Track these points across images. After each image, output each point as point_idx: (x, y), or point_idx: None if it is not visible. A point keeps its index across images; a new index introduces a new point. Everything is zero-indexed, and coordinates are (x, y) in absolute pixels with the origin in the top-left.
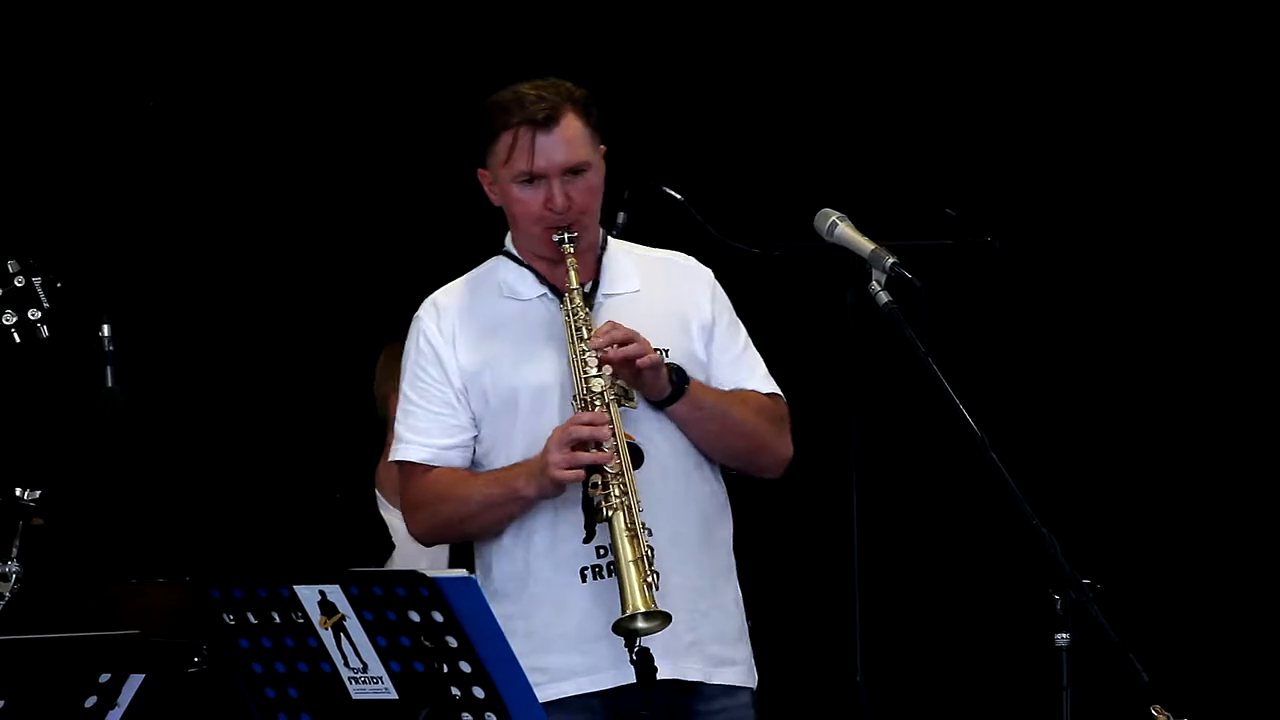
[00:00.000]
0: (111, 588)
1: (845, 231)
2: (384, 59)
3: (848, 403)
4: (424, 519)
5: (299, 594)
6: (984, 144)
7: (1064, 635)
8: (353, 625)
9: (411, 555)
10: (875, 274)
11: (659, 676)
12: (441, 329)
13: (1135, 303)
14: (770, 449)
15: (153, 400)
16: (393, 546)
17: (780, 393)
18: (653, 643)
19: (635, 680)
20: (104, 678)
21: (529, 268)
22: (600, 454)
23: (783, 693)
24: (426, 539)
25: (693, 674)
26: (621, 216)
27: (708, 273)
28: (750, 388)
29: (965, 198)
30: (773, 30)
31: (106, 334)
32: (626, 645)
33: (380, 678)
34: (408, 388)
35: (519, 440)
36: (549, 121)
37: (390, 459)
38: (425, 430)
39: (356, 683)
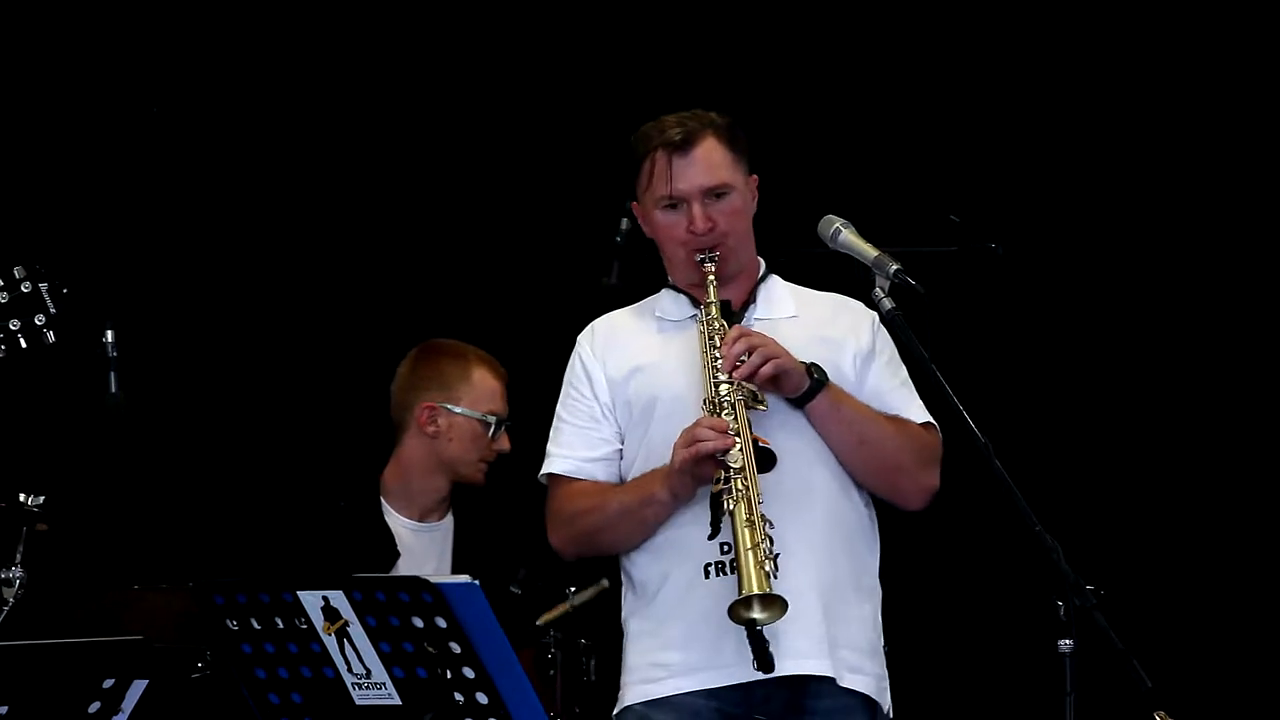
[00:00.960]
0: (115, 593)
1: (849, 238)
2: (390, 65)
3: None
4: (565, 532)
5: (302, 600)
6: (988, 151)
7: (1067, 641)
8: (356, 631)
9: (417, 562)
10: (879, 280)
11: (783, 672)
12: (594, 348)
13: (1139, 310)
14: (912, 475)
15: (157, 407)
16: (398, 554)
17: (935, 424)
18: (780, 633)
19: (753, 668)
20: (107, 683)
21: (686, 294)
22: (721, 440)
23: None
24: (568, 551)
25: (821, 668)
26: (625, 223)
27: (873, 315)
28: (903, 415)
29: (969, 204)
30: (777, 36)
31: (110, 340)
32: (748, 635)
33: (384, 683)
34: (561, 409)
35: (657, 447)
36: (685, 144)
37: (540, 473)
38: (570, 444)
39: (360, 688)
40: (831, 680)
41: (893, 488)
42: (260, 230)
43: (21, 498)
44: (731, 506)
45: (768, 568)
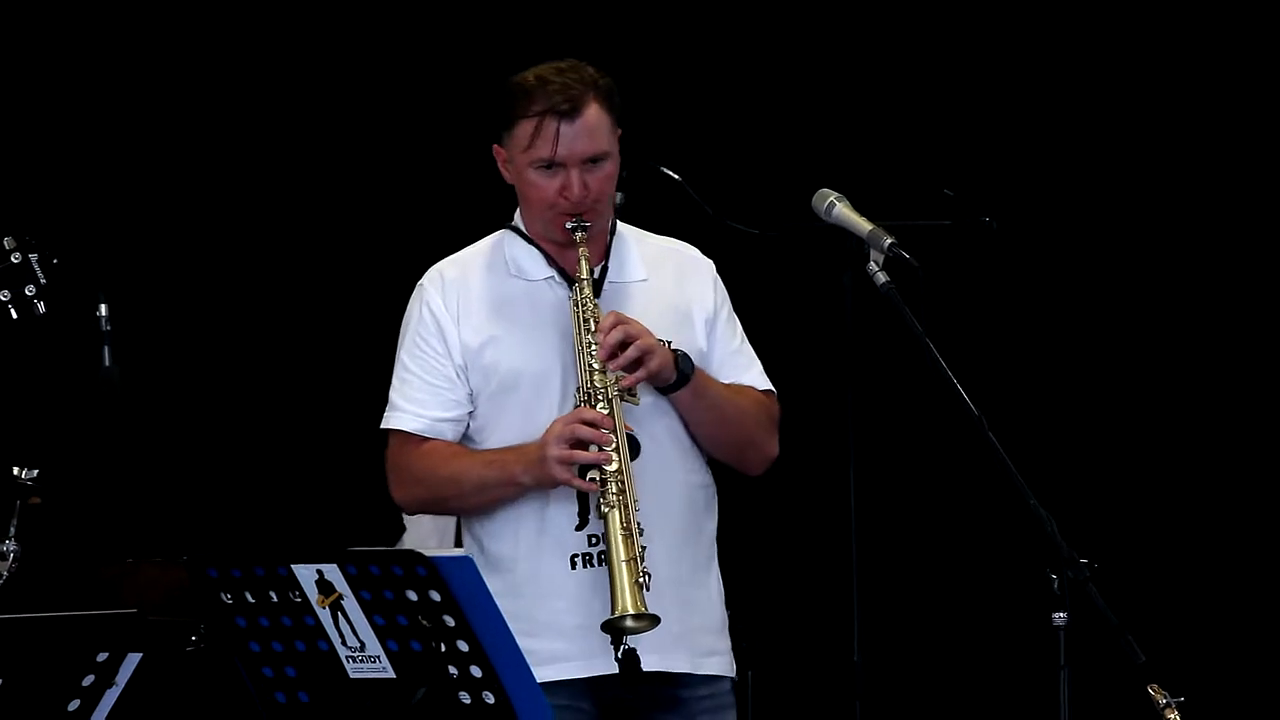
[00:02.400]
0: (109, 567)
1: (843, 212)
2: (383, 40)
3: (845, 383)
4: (412, 491)
5: (296, 573)
6: (982, 124)
7: (1061, 615)
8: (350, 604)
9: (423, 535)
10: (873, 254)
11: (648, 669)
12: (446, 302)
13: (1133, 283)
14: (759, 446)
15: (150, 379)
16: (403, 527)
17: (774, 390)
18: (641, 638)
19: (619, 679)
20: (101, 656)
21: (538, 247)
22: (599, 454)
23: (781, 673)
24: (410, 509)
25: (680, 665)
26: (619, 197)
27: (710, 264)
28: (747, 383)
29: (963, 178)
30: (770, 10)
31: (104, 313)
32: (613, 643)
33: (378, 657)
34: (406, 356)
35: (515, 422)
36: (573, 112)
37: (382, 425)
38: (421, 401)
39: (354, 661)
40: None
41: (740, 459)
42: (256, 198)
43: (15, 471)
44: (606, 511)
45: (642, 580)
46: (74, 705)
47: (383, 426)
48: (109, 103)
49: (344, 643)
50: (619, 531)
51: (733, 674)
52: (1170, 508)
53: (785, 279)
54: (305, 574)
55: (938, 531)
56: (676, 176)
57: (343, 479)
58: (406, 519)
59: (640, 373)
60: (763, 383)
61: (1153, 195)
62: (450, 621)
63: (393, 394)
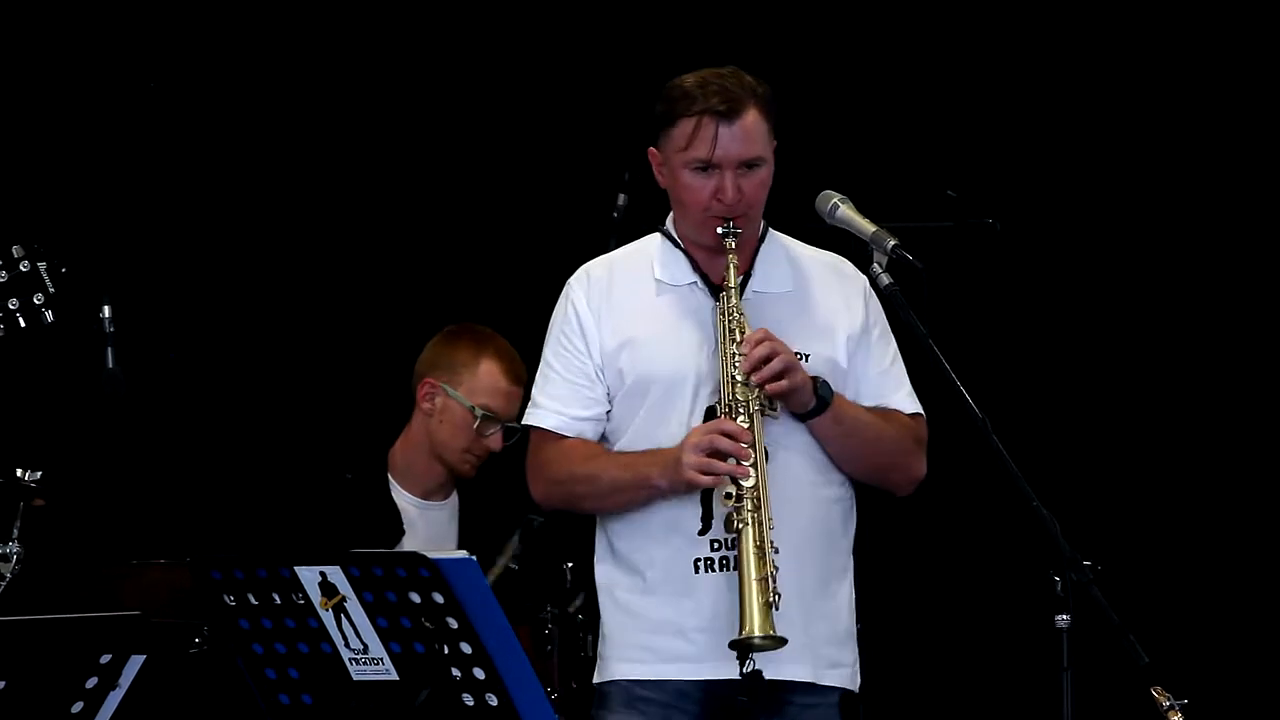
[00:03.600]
0: (112, 569)
1: (847, 213)
2: (383, 45)
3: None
4: (550, 490)
5: (300, 575)
6: (985, 126)
7: (1064, 616)
8: (353, 606)
9: (422, 540)
10: (877, 256)
11: (767, 678)
12: (590, 301)
13: (1136, 285)
14: (904, 468)
15: (154, 381)
16: (404, 530)
17: (922, 413)
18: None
19: (739, 684)
20: (105, 658)
21: (685, 253)
22: (737, 468)
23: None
24: (549, 505)
25: (802, 675)
26: (622, 198)
27: (864, 280)
28: (893, 405)
29: (966, 180)
30: (773, 11)
31: (107, 315)
32: (739, 659)
33: (381, 659)
34: (549, 354)
35: (647, 425)
36: (732, 113)
37: (524, 421)
38: (562, 399)
39: (357, 664)
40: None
41: (884, 481)
42: (260, 202)
43: (18, 473)
44: (739, 527)
45: (773, 599)
46: (77, 707)
47: (523, 423)
48: (114, 111)
49: (347, 645)
50: (752, 549)
51: (854, 687)
52: (1173, 510)
53: None
54: (308, 576)
55: (941, 533)
56: None
57: (344, 481)
58: (406, 521)
59: (782, 383)
60: (910, 405)
61: (1155, 196)
62: (453, 623)
63: (535, 391)
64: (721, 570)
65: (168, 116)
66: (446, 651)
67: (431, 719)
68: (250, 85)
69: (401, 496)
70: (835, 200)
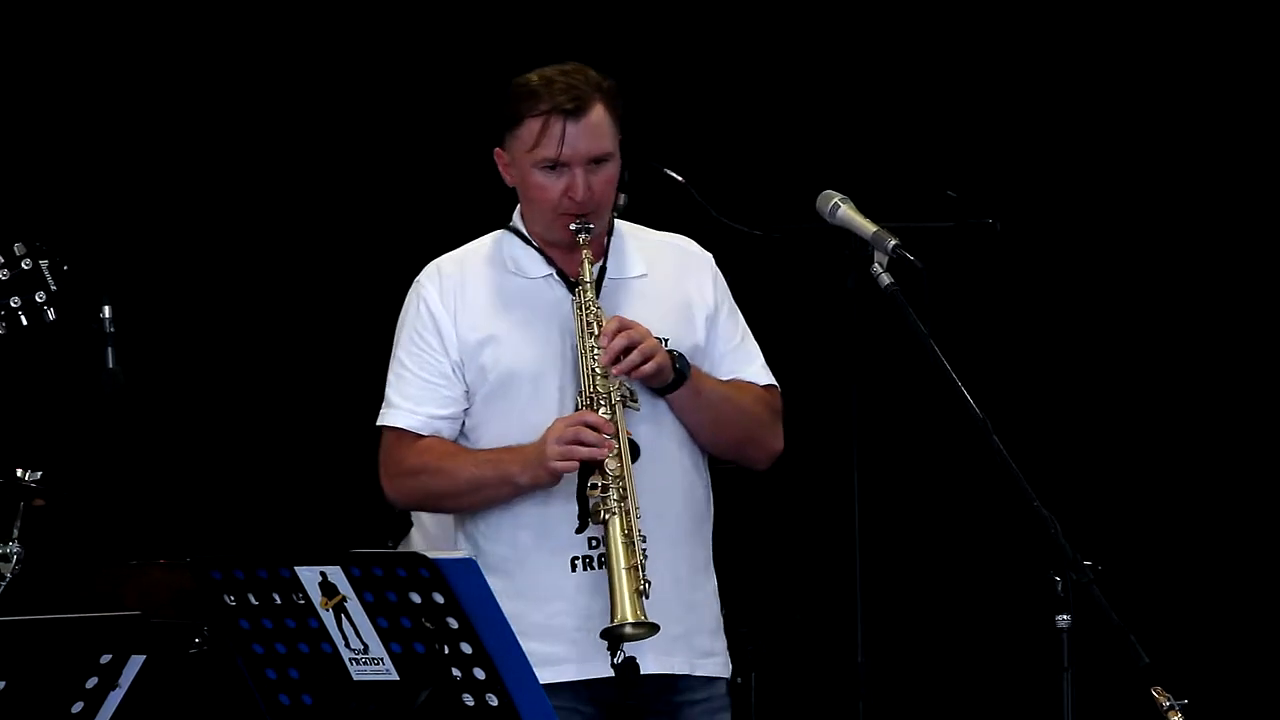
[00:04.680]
0: (112, 569)
1: (847, 213)
2: (381, 44)
3: (849, 384)
4: (406, 487)
5: (300, 575)
6: (985, 126)
7: (1065, 617)
8: (354, 606)
9: (430, 537)
10: (877, 256)
11: (646, 671)
12: (444, 298)
13: (1136, 285)
14: (761, 442)
15: (155, 381)
16: (410, 525)
17: (776, 384)
18: (645, 640)
19: (615, 683)
20: (105, 659)
21: (537, 248)
22: (597, 450)
23: (784, 675)
24: (401, 505)
25: (679, 668)
26: (622, 198)
27: (710, 258)
28: (747, 378)
29: (967, 180)
30: (774, 11)
31: (108, 315)
32: (610, 649)
33: (381, 659)
34: (402, 353)
35: (512, 421)
36: (579, 111)
37: (378, 422)
38: (417, 398)
39: (357, 664)
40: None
41: (743, 456)
42: (260, 202)
43: (19, 473)
44: (606, 517)
45: (643, 587)
46: (77, 707)
47: (378, 423)
48: (115, 109)
49: (347, 645)
50: (620, 538)
51: (728, 674)
52: (1174, 510)
53: (789, 281)
54: (308, 576)
55: (941, 533)
56: (680, 178)
57: (346, 481)
58: (415, 517)
59: (647, 367)
60: (764, 377)
61: (1156, 197)
62: (454, 624)
63: (389, 391)
64: (600, 568)
65: (169, 115)
66: (447, 652)
67: (431, 719)
68: (249, 85)
69: None
70: (836, 200)
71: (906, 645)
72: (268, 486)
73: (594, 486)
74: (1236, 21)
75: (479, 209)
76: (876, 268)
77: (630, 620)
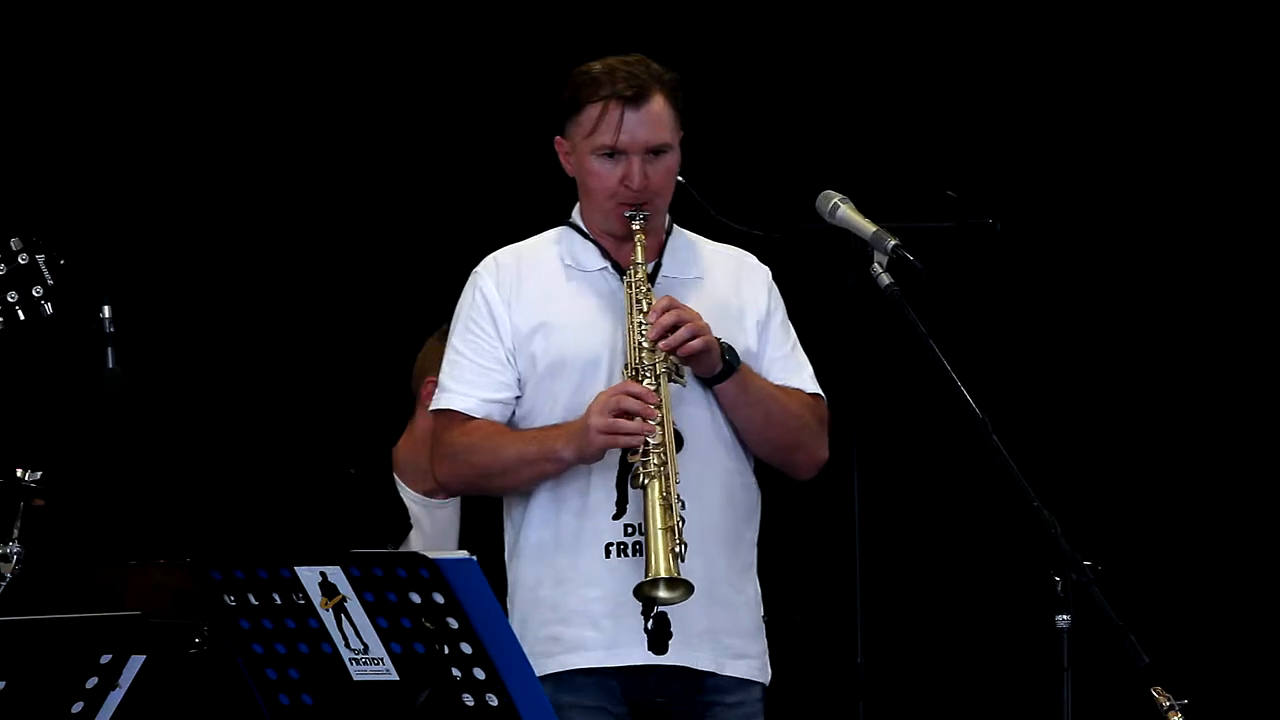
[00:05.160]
0: (112, 569)
1: (847, 213)
2: (383, 43)
3: (849, 385)
4: (454, 468)
5: (300, 575)
6: (985, 126)
7: (1065, 617)
8: (354, 607)
9: (428, 538)
10: (877, 256)
11: (669, 662)
12: (500, 287)
13: (1136, 285)
14: (807, 448)
15: (155, 381)
16: (409, 526)
17: (823, 396)
18: (671, 628)
19: (647, 647)
20: (105, 659)
21: (594, 242)
22: (643, 425)
23: (784, 675)
24: (452, 488)
25: (703, 663)
26: None
27: (767, 271)
28: (796, 385)
29: (967, 180)
30: (774, 11)
31: (107, 315)
32: (643, 612)
33: (381, 659)
34: (458, 340)
35: (561, 407)
36: (638, 99)
37: (430, 407)
38: (471, 382)
39: (357, 664)
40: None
41: (789, 462)
42: (260, 202)
43: (18, 473)
44: (646, 481)
45: (678, 549)
46: (77, 707)
47: (431, 408)
48: (114, 104)
49: (347, 645)
50: (658, 500)
51: (765, 680)
52: (1174, 510)
53: (788, 280)
54: (308, 576)
55: (941, 533)
56: (680, 178)
57: (346, 481)
58: (413, 519)
59: (694, 343)
60: (812, 386)
61: (1156, 197)
62: (454, 624)
63: (442, 378)
64: (634, 555)
65: (170, 115)
66: (447, 652)
67: (431, 719)
68: (249, 85)
69: (406, 494)
70: (835, 200)
71: (906, 645)
72: (268, 486)
73: (634, 452)
74: (1236, 21)
75: (479, 209)
76: (876, 268)
77: (664, 575)
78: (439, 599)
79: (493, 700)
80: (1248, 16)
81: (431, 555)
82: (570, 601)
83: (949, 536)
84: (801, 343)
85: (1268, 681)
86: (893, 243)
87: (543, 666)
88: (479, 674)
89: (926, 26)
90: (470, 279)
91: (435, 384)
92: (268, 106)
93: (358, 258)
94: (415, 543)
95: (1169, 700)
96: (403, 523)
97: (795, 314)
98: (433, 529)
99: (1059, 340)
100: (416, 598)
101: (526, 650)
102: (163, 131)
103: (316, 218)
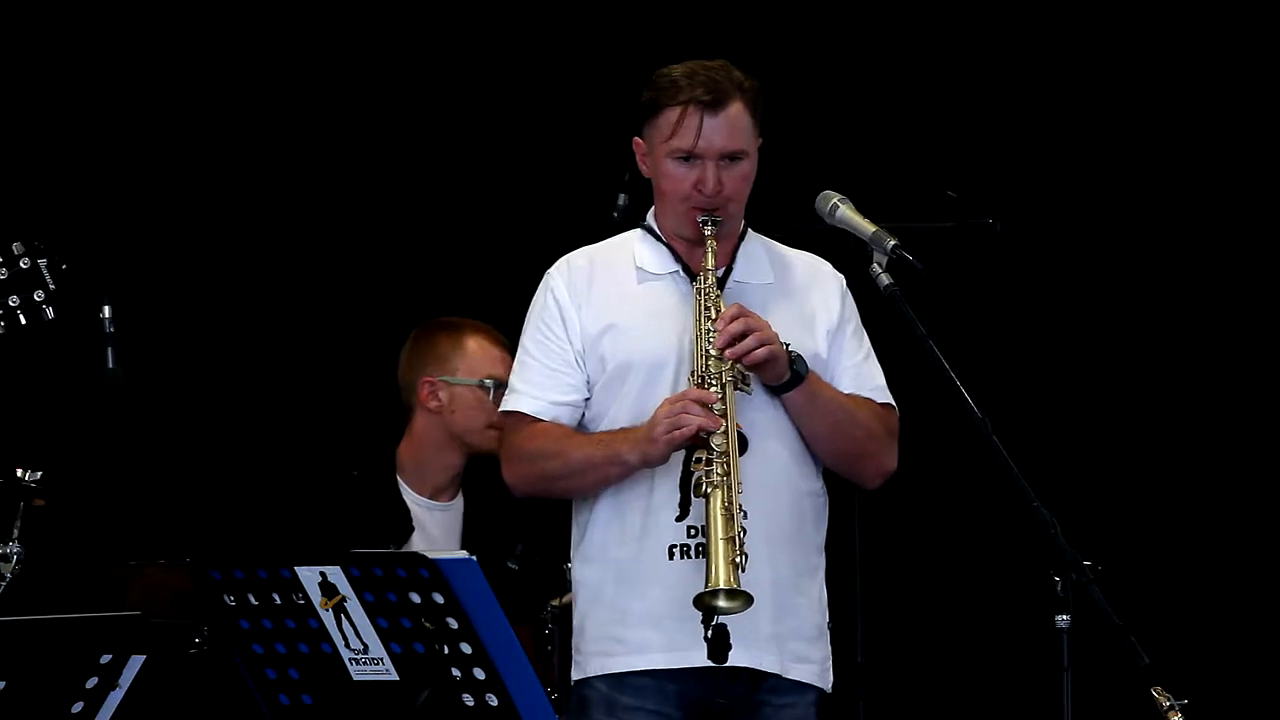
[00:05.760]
0: (112, 569)
1: (847, 214)
2: (383, 45)
3: None
4: (523, 470)
5: (300, 575)
6: (985, 126)
7: (1064, 617)
8: (353, 607)
9: (430, 540)
10: (877, 256)
11: (735, 663)
12: (571, 289)
13: (1136, 285)
14: (875, 458)
15: (155, 381)
16: (412, 528)
17: (895, 405)
18: (733, 629)
19: (706, 656)
20: (105, 658)
21: (666, 245)
22: (708, 419)
23: None
24: (520, 490)
25: (769, 665)
26: (622, 198)
27: (841, 279)
28: (867, 395)
29: (967, 180)
30: (774, 11)
31: (108, 315)
32: (703, 621)
33: (381, 659)
34: (528, 341)
35: (627, 410)
36: (716, 104)
37: (500, 409)
38: (540, 384)
39: (357, 664)
40: (779, 674)
41: (856, 472)
42: (260, 202)
43: (19, 473)
44: (709, 490)
45: (739, 560)
46: (77, 707)
47: (501, 409)
48: (115, 108)
49: (347, 645)
50: (720, 510)
51: (825, 686)
52: (1174, 510)
53: None
54: (309, 576)
55: (941, 533)
56: None
57: (346, 480)
58: (415, 521)
59: (759, 352)
60: (883, 396)
61: (1156, 197)
62: (454, 624)
63: (512, 378)
64: (697, 557)
65: (170, 117)
66: (446, 652)
67: (431, 719)
68: (249, 86)
69: (409, 497)
70: (835, 200)
71: (906, 645)
72: (268, 487)
73: (698, 461)
74: (1236, 21)
75: (480, 210)
76: (876, 268)
77: (723, 587)
78: (439, 599)
79: (492, 700)
80: (1248, 16)
81: (431, 555)
82: (632, 601)
83: (949, 536)
84: None
85: (1268, 681)
86: (892, 243)
87: (603, 666)
88: (479, 674)
89: (926, 26)
90: (543, 280)
91: (430, 383)
92: (267, 107)
93: (358, 258)
94: (418, 544)
95: (1169, 700)
96: (405, 524)
97: None
98: (435, 531)
99: (1059, 340)
100: (416, 598)
101: (587, 649)
102: (162, 132)
103: (317, 218)
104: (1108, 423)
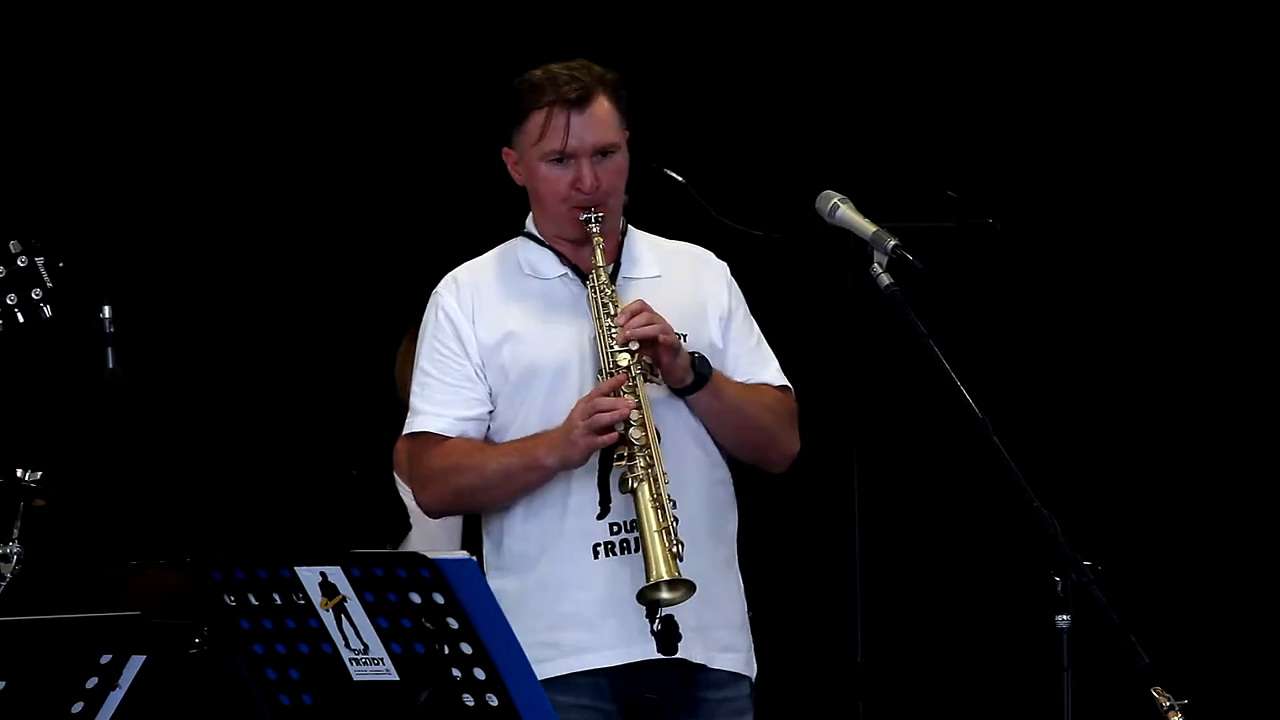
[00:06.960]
0: (112, 569)
1: (847, 213)
2: (385, 46)
3: (849, 385)
4: (437, 490)
5: (300, 575)
6: (985, 126)
7: (1065, 617)
8: (354, 607)
9: (429, 538)
10: (877, 256)
11: (661, 656)
12: (461, 304)
13: (1136, 285)
14: (780, 444)
15: (155, 381)
16: (409, 526)
17: (791, 387)
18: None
19: (656, 651)
20: (105, 659)
21: (551, 248)
22: (625, 401)
23: (784, 675)
24: (436, 510)
25: (696, 656)
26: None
27: (724, 265)
28: (763, 381)
29: (967, 180)
30: (774, 11)
31: (107, 315)
32: (648, 615)
33: (381, 659)
34: (425, 362)
35: (535, 416)
36: (581, 102)
37: (405, 431)
38: (443, 402)
39: (357, 664)
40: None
41: (762, 458)
42: (259, 202)
43: (18, 473)
44: (635, 485)
45: (676, 549)
46: (77, 707)
47: (405, 433)
48: (113, 106)
49: (347, 645)
50: (649, 502)
51: (751, 674)
52: (1174, 510)
53: (788, 281)
54: (308, 576)
55: (941, 533)
56: (679, 178)
57: (346, 481)
58: (414, 519)
59: (671, 337)
60: (779, 379)
61: (1156, 197)
62: (454, 624)
63: (414, 401)
64: (622, 553)
65: (169, 116)
66: (447, 652)
67: (431, 719)
68: (248, 87)
69: (406, 494)
70: (835, 200)
71: (906, 645)
72: (268, 486)
73: (620, 458)
74: (1236, 21)
75: (481, 210)
76: (876, 268)
77: (665, 578)
78: (439, 599)
79: (493, 700)
80: (1248, 16)
81: (431, 555)
82: (561, 606)
83: (949, 536)
84: (801, 343)
85: (1268, 681)
86: (893, 243)
87: (541, 672)
88: (479, 674)
89: (926, 26)
90: (431, 300)
91: None
92: (266, 108)
93: (358, 258)
94: (415, 542)
95: (1169, 700)
96: (403, 522)
97: (795, 314)
98: (434, 529)
99: (1059, 340)
100: (416, 598)
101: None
102: (162, 133)
103: (316, 218)
104: (1108, 423)
